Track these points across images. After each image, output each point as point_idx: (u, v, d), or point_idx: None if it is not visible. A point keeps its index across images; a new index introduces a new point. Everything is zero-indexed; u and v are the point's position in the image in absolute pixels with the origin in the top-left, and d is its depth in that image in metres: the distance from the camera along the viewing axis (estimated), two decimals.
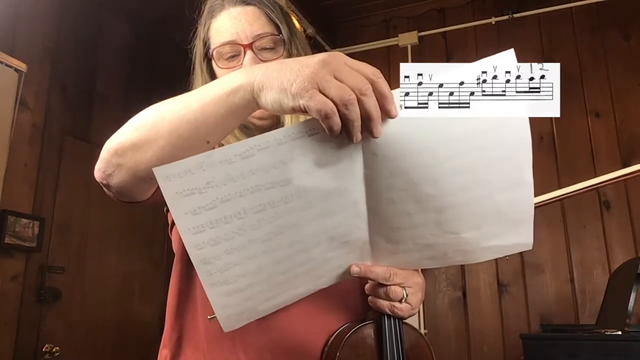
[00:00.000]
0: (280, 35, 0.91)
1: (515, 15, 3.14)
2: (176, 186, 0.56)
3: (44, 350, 2.46)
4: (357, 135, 0.56)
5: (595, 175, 2.74)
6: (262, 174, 0.58)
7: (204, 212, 0.58)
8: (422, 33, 3.37)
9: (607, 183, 2.08)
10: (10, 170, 2.32)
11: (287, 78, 0.57)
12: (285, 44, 0.91)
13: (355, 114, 0.55)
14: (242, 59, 0.88)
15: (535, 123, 0.63)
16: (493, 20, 3.21)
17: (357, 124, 0.56)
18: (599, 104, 2.90)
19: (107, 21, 3.10)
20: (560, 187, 2.77)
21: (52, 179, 2.61)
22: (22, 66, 2.40)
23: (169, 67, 3.45)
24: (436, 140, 0.61)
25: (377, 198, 0.65)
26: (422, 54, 3.36)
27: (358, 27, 3.59)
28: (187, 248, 0.59)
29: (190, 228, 0.58)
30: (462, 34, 3.29)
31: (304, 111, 0.56)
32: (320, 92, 0.55)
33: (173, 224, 0.96)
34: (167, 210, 0.96)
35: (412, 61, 3.35)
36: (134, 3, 3.08)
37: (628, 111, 2.85)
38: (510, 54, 0.62)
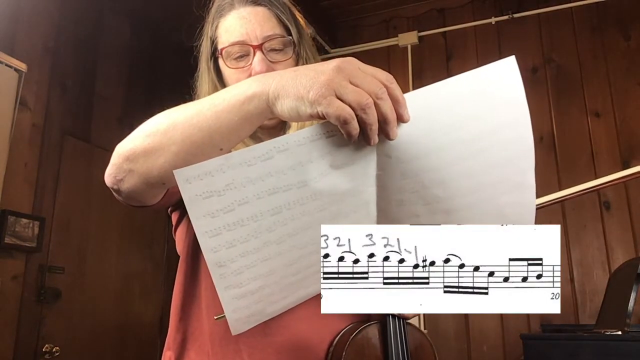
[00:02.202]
0: (290, 37, 0.91)
1: (515, 15, 3.15)
2: (196, 188, 0.56)
3: (44, 350, 2.46)
4: (375, 138, 0.57)
5: (596, 175, 2.75)
6: (280, 175, 0.59)
7: (221, 215, 0.58)
8: (422, 33, 3.37)
9: (608, 184, 2.08)
10: (10, 170, 2.33)
11: (303, 85, 0.57)
12: (295, 46, 0.91)
13: (373, 117, 0.56)
14: (251, 59, 0.88)
15: (535, 123, 0.64)
16: (493, 20, 3.21)
17: (375, 127, 0.57)
18: (599, 103, 2.90)
19: (107, 21, 3.10)
20: (560, 187, 2.78)
21: (52, 179, 2.61)
22: (22, 66, 2.40)
23: (169, 67, 3.45)
24: (447, 143, 0.62)
25: (388, 199, 0.66)
26: (422, 54, 3.36)
27: (358, 27, 3.59)
28: (203, 251, 0.58)
29: (207, 231, 0.58)
30: (462, 34, 3.29)
31: (322, 118, 0.57)
32: (338, 98, 0.55)
33: (177, 225, 0.96)
34: (171, 212, 0.96)
35: (412, 61, 3.35)
36: (134, 3, 3.08)
37: (628, 111, 2.85)
38: (511, 62, 0.62)
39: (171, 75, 3.40)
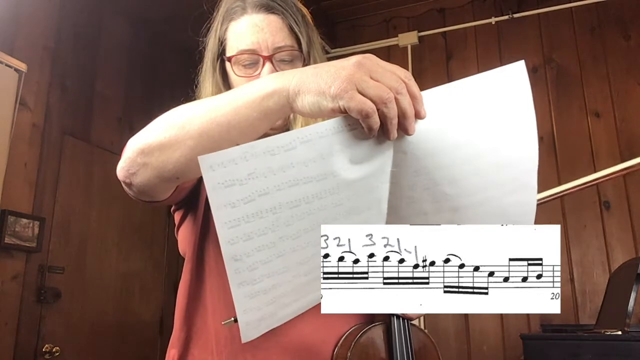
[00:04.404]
0: (300, 50, 0.91)
1: (515, 15, 3.15)
2: (219, 176, 0.56)
3: (44, 350, 2.46)
4: (394, 132, 0.58)
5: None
6: (301, 167, 0.59)
7: (242, 205, 0.58)
8: (422, 33, 3.37)
9: (606, 178, 2.08)
10: (10, 170, 2.33)
11: (324, 81, 0.58)
12: (304, 60, 0.91)
13: (394, 111, 0.57)
14: (260, 68, 0.88)
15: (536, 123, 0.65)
16: (493, 20, 3.21)
17: (395, 121, 0.58)
18: (599, 104, 2.90)
19: (107, 21, 3.10)
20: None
21: (52, 179, 2.61)
22: (22, 66, 2.40)
23: (169, 67, 3.45)
24: (459, 141, 0.63)
25: (399, 196, 0.67)
26: (422, 54, 3.36)
27: (358, 27, 3.59)
28: (220, 242, 0.58)
29: (227, 221, 0.58)
30: (462, 34, 3.29)
31: (344, 112, 0.58)
32: (359, 92, 0.56)
33: (180, 224, 0.96)
34: (174, 211, 0.96)
35: (412, 61, 3.35)
36: (134, 3, 3.08)
37: (628, 111, 2.85)
38: (521, 66, 0.64)
39: (171, 75, 3.41)
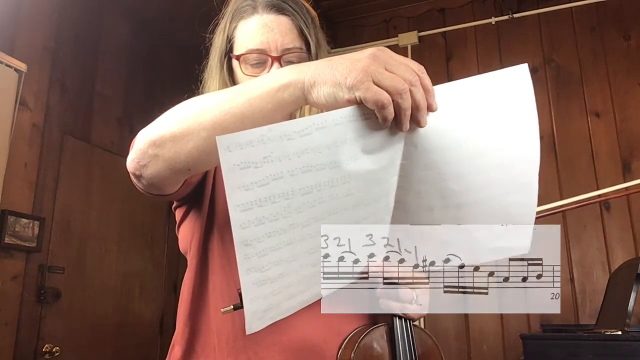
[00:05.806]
0: (309, 52, 0.91)
1: (515, 15, 3.14)
2: (235, 157, 0.56)
3: (44, 350, 2.46)
4: (407, 123, 0.60)
5: (596, 176, 2.75)
6: (315, 153, 0.59)
7: (255, 189, 0.58)
8: (422, 33, 3.37)
9: (611, 197, 2.10)
10: (10, 170, 2.33)
11: (340, 73, 0.59)
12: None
13: (408, 102, 0.58)
14: (268, 68, 0.89)
15: None
16: (493, 20, 3.21)
17: (409, 112, 0.59)
18: (599, 104, 2.90)
19: (107, 21, 3.10)
20: (560, 187, 2.78)
21: (52, 179, 2.61)
22: (22, 66, 2.40)
23: (169, 67, 3.45)
24: (467, 137, 0.64)
25: (407, 190, 0.67)
26: (422, 54, 3.36)
27: (358, 27, 3.59)
28: (232, 226, 0.58)
29: (240, 204, 0.58)
30: (462, 34, 3.29)
31: (359, 103, 0.59)
32: (375, 83, 0.57)
33: (181, 221, 0.96)
34: (175, 208, 0.96)
35: None
36: (134, 3, 3.08)
37: (628, 111, 2.85)
38: (523, 70, 0.65)
39: (171, 75, 3.41)
